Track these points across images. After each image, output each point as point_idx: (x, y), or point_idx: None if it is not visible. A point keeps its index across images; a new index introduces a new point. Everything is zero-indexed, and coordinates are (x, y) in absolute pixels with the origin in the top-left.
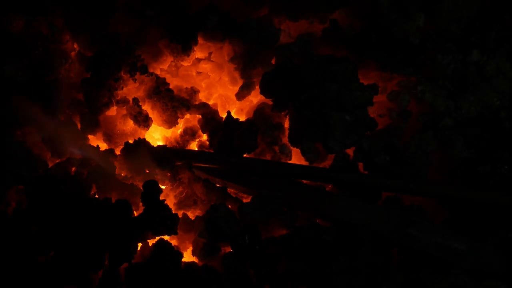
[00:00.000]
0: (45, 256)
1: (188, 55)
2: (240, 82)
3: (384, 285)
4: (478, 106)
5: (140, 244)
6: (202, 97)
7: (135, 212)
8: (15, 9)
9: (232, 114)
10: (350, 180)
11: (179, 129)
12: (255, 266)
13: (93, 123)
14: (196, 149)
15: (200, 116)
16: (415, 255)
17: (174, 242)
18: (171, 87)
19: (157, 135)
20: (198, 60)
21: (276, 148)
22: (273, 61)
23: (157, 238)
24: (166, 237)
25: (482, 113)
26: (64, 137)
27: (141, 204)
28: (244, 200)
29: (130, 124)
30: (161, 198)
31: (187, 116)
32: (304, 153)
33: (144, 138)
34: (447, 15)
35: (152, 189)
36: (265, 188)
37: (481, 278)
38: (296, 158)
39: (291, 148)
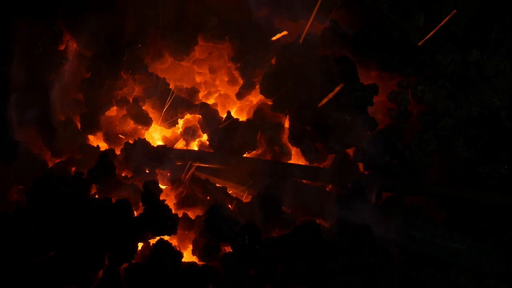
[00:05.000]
0: (45, 256)
1: (188, 55)
2: (240, 82)
3: (384, 285)
4: (478, 106)
5: (140, 244)
6: (202, 97)
7: (135, 212)
8: (16, 10)
9: (232, 113)
10: (351, 180)
11: (179, 129)
12: (255, 266)
13: (93, 123)
14: (196, 149)
15: (200, 116)
16: (415, 255)
17: (174, 242)
18: (171, 87)
19: (157, 135)
20: (198, 60)
21: (276, 148)
22: (273, 61)
23: (157, 238)
24: (166, 237)
25: (482, 113)
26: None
27: (141, 204)
28: (244, 200)
29: (130, 124)
30: (161, 198)
31: (187, 116)
32: (304, 153)
33: (144, 138)
34: (447, 15)
35: (152, 189)
36: (266, 188)
37: (481, 278)
38: (296, 158)
39: (291, 148)
